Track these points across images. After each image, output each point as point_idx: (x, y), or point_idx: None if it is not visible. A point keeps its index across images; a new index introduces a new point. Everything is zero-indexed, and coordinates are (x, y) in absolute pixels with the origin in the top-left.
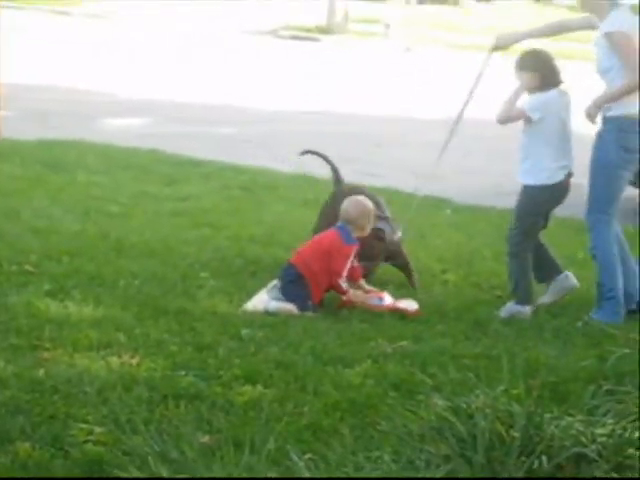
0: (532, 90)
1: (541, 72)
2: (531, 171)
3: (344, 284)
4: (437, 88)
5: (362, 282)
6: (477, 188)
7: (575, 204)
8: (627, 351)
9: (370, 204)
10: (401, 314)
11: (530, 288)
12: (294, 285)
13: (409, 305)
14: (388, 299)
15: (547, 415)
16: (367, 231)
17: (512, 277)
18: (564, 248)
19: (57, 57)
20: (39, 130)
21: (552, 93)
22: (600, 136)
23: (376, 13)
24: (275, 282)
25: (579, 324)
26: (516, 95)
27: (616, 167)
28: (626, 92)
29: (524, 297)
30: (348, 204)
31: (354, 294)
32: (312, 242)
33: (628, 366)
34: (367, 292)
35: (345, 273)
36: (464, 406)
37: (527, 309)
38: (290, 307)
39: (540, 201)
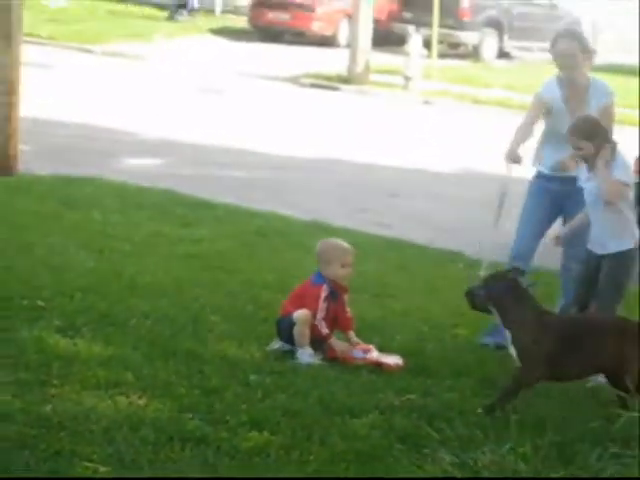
0: (589, 158)
1: (601, 139)
2: (624, 236)
3: (324, 329)
4: (455, 141)
5: (351, 334)
6: (491, 243)
7: None
8: (635, 414)
9: (342, 246)
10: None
11: None
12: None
13: (394, 360)
14: (374, 353)
15: (553, 475)
16: (333, 268)
17: None
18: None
19: (78, 94)
20: (56, 166)
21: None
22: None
23: (397, 65)
24: (278, 343)
25: (588, 384)
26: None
27: None
28: None
29: None
30: (322, 242)
31: (338, 343)
32: (291, 293)
33: (636, 430)
34: (354, 345)
35: (320, 315)
36: (470, 462)
37: None
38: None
39: (632, 264)
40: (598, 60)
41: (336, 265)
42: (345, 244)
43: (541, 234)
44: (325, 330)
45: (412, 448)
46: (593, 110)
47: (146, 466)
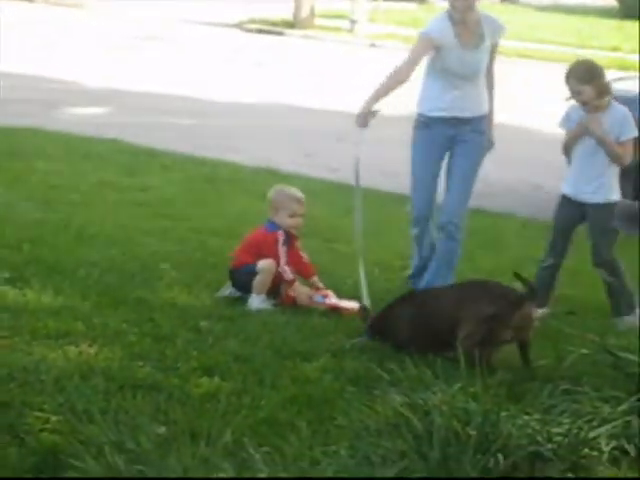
0: (590, 102)
1: (600, 83)
2: (613, 187)
3: (288, 275)
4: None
5: (315, 279)
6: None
7: (535, 204)
8: (584, 352)
9: (292, 195)
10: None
11: (631, 294)
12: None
13: (351, 304)
14: (332, 298)
15: (503, 413)
16: (281, 216)
17: (612, 291)
18: (529, 249)
19: (19, 44)
20: None
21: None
22: (483, 133)
23: (342, 8)
24: (228, 290)
25: (537, 323)
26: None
27: None
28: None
29: (630, 305)
30: (274, 188)
31: (298, 288)
32: (242, 241)
33: (585, 367)
34: (316, 289)
35: (283, 261)
36: (421, 402)
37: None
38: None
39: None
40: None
41: (284, 214)
42: (297, 193)
43: (436, 186)
44: (289, 276)
45: (363, 390)
46: (487, 46)
47: (97, 415)
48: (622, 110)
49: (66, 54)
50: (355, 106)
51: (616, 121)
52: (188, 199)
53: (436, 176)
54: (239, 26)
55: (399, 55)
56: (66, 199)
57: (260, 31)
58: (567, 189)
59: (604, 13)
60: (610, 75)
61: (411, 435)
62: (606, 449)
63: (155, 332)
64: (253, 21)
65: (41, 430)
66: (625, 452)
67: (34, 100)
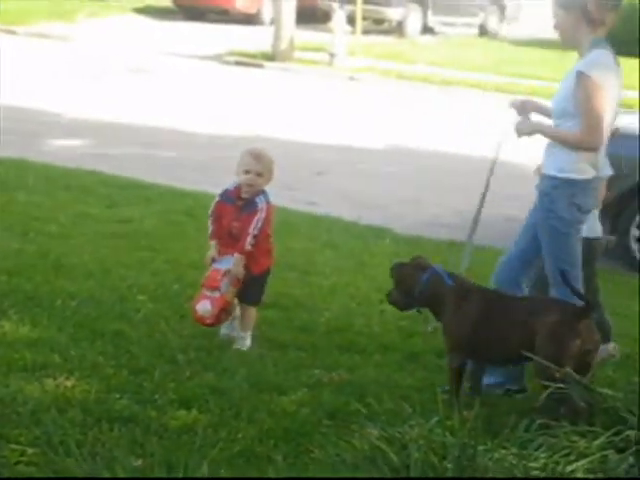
0: None
1: None
2: (592, 225)
3: (209, 228)
4: (380, 118)
5: (237, 257)
6: (416, 219)
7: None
8: (561, 385)
9: (247, 150)
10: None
11: (609, 326)
12: None
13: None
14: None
15: (481, 447)
16: (238, 173)
17: None
18: None
19: (2, 76)
20: None
21: None
22: (548, 195)
23: (321, 42)
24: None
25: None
26: None
27: (569, 225)
28: (571, 143)
29: (606, 336)
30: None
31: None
32: None
33: (561, 401)
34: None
35: (208, 211)
36: (398, 436)
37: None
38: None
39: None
40: (525, 34)
41: (240, 170)
42: (255, 149)
43: (522, 255)
44: (209, 230)
45: (340, 424)
46: (568, 83)
47: (74, 447)
48: None
49: (48, 86)
50: (334, 139)
51: None
52: (167, 231)
53: (518, 245)
54: (218, 59)
55: (378, 88)
56: (45, 230)
57: (239, 63)
58: None
59: None
60: None
61: (388, 469)
62: None
63: (132, 364)
64: (232, 53)
65: (17, 462)
66: None
67: (15, 131)
